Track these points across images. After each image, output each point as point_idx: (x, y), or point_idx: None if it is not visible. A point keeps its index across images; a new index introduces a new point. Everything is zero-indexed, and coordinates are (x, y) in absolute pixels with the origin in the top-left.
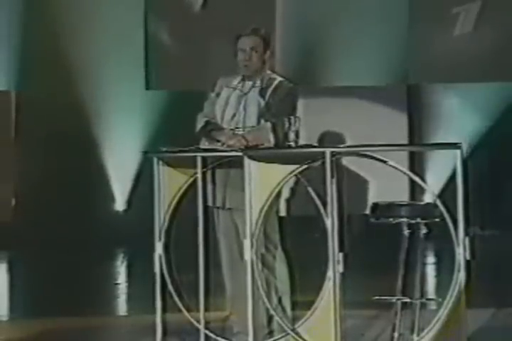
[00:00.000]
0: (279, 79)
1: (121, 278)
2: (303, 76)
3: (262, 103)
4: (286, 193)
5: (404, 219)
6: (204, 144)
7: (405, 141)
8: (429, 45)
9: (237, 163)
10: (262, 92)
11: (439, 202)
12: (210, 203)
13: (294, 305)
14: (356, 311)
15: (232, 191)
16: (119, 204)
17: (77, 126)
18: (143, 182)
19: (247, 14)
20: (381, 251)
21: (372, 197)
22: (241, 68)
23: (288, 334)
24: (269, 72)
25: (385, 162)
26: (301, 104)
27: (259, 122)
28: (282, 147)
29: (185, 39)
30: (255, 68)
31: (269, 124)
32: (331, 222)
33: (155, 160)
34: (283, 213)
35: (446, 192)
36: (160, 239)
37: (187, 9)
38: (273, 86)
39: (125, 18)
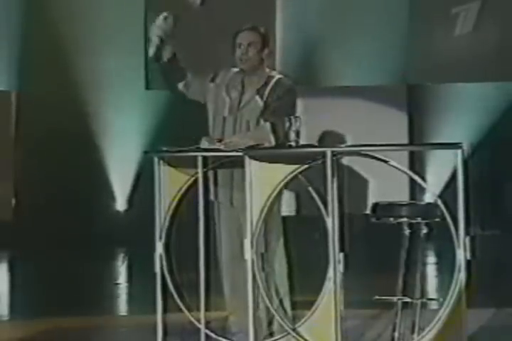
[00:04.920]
0: (278, 76)
1: (122, 278)
2: (303, 76)
3: (261, 102)
4: (286, 193)
5: (405, 219)
6: (204, 144)
7: (405, 141)
8: (429, 45)
9: (238, 163)
10: (260, 91)
11: (439, 202)
12: (213, 197)
13: (295, 305)
14: (357, 311)
15: (237, 192)
16: (120, 204)
17: (77, 126)
18: (143, 182)
19: (248, 14)
20: (381, 250)
21: (373, 196)
22: (237, 63)
23: (289, 333)
24: (268, 70)
25: (385, 162)
26: (301, 104)
27: (258, 122)
28: (283, 147)
29: (185, 39)
30: (251, 63)
31: (268, 125)
32: (331, 222)
33: (155, 159)
34: (284, 213)
35: (447, 192)
36: (160, 238)
37: (187, 9)
38: (271, 84)
39: (125, 17)
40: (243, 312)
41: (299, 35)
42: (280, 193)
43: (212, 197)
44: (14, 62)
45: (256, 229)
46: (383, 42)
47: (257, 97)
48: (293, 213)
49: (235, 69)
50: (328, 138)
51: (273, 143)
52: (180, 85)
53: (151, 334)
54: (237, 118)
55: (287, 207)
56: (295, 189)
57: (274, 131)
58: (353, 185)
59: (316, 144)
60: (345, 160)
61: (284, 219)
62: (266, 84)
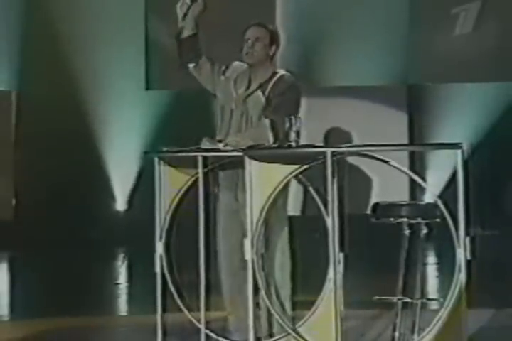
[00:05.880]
0: (282, 73)
1: (122, 278)
2: (303, 76)
3: (262, 98)
4: (290, 193)
5: (405, 219)
6: (205, 144)
7: (405, 141)
8: (429, 45)
9: (238, 164)
10: (262, 86)
11: (439, 202)
12: (214, 191)
13: (295, 305)
14: (357, 311)
15: (240, 190)
16: (120, 204)
17: (78, 126)
18: (144, 182)
19: (248, 14)
20: (382, 251)
21: (373, 196)
22: (244, 57)
23: (289, 334)
24: (274, 66)
25: (386, 162)
26: (301, 103)
27: (260, 118)
28: (283, 147)
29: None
30: (257, 58)
31: (267, 121)
32: (331, 222)
33: (156, 160)
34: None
35: (447, 192)
36: (161, 238)
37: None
38: (274, 80)
39: (125, 18)
40: (242, 311)
41: (299, 35)
42: (283, 193)
43: (212, 190)
44: (14, 62)
45: (256, 229)
46: (383, 42)
47: (259, 92)
48: (298, 213)
49: (245, 65)
50: (328, 138)
51: (271, 140)
52: (191, 66)
53: (151, 334)
54: (243, 113)
55: (292, 207)
56: (296, 189)
57: (272, 128)
58: (353, 185)
59: (316, 144)
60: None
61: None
62: (269, 79)
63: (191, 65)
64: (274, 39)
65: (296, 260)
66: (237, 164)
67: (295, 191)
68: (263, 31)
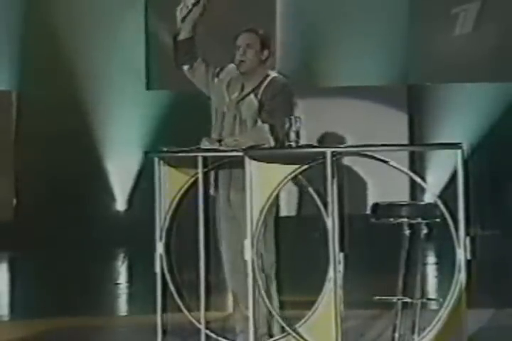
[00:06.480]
0: (273, 75)
1: (122, 278)
2: (303, 76)
3: (255, 101)
4: (286, 193)
5: (405, 219)
6: (205, 144)
7: (405, 141)
8: (429, 45)
9: (238, 164)
10: (255, 90)
11: (439, 202)
12: (212, 192)
13: (295, 305)
14: (357, 311)
15: (235, 191)
16: (120, 204)
17: (78, 126)
18: (144, 182)
19: (248, 14)
20: (382, 251)
21: (373, 197)
22: (237, 65)
23: (289, 334)
24: (267, 70)
25: (385, 162)
26: (301, 104)
27: (255, 122)
28: (283, 147)
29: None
30: (250, 65)
31: (266, 126)
32: (331, 222)
33: (156, 160)
34: (284, 213)
35: (447, 192)
36: (161, 238)
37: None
38: (265, 83)
39: (125, 18)
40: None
41: (299, 36)
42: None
43: (211, 191)
44: (14, 62)
45: (256, 229)
46: (383, 43)
47: (252, 96)
48: (293, 213)
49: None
50: (328, 138)
51: (272, 144)
52: (185, 68)
53: (151, 334)
54: (236, 116)
55: (287, 207)
56: (295, 189)
57: (272, 132)
58: (353, 185)
59: (316, 144)
60: (345, 161)
61: (284, 219)
62: (261, 83)
63: (186, 67)
64: (265, 44)
65: (282, 260)
66: (236, 164)
67: (289, 191)
68: (253, 37)
